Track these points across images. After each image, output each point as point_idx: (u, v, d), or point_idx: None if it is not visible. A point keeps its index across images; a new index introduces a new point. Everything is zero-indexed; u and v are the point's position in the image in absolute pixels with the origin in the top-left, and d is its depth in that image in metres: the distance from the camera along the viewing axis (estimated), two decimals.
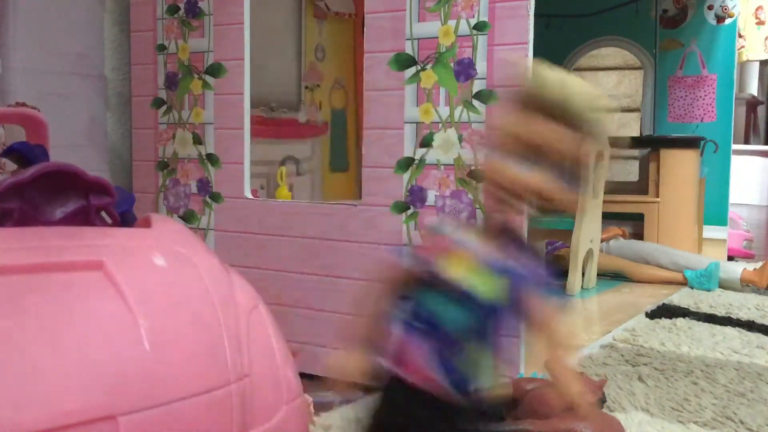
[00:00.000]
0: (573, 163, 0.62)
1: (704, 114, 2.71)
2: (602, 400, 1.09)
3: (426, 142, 1.25)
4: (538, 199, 0.62)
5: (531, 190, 0.62)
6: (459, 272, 0.63)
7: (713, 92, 2.70)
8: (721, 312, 1.86)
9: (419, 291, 0.65)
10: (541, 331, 0.65)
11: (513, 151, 0.62)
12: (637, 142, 2.89)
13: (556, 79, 0.63)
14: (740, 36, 4.37)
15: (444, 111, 1.24)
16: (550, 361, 0.65)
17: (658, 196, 2.50)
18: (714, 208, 2.65)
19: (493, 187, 0.63)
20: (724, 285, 2.19)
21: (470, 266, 0.63)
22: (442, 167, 1.24)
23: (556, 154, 0.61)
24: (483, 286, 0.62)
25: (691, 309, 1.88)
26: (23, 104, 1.47)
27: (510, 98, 0.63)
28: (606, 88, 3.87)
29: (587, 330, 1.64)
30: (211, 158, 1.50)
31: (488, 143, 0.64)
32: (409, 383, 0.64)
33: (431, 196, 1.25)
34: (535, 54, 1.19)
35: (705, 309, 1.89)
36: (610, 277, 2.32)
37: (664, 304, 1.92)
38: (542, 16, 2.40)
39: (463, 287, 0.63)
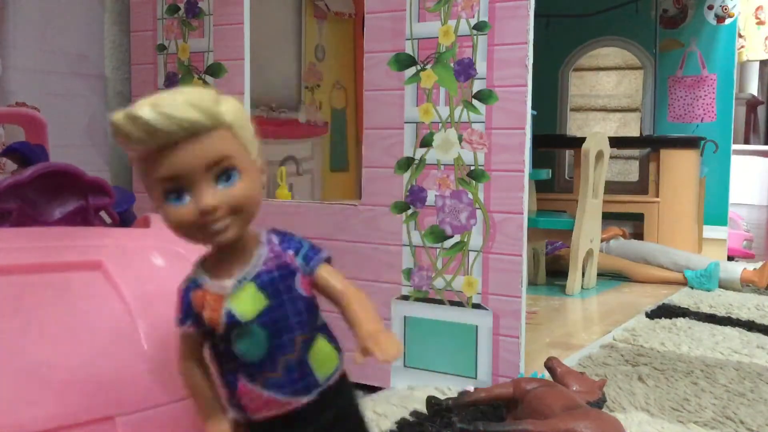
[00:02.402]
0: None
1: (704, 114, 2.71)
2: (602, 400, 1.09)
3: (426, 142, 1.26)
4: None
5: (244, 202, 0.60)
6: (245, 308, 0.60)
7: (713, 92, 2.70)
8: (721, 312, 1.86)
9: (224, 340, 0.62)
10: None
11: (201, 177, 0.57)
12: (637, 142, 2.89)
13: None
14: (740, 36, 4.38)
15: (444, 111, 1.24)
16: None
17: (658, 196, 2.50)
18: (714, 208, 2.65)
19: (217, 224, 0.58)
20: (724, 285, 2.19)
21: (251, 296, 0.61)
22: (442, 167, 1.24)
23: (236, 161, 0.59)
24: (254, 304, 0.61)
25: (691, 309, 1.88)
26: (23, 104, 1.47)
27: None
28: (606, 88, 3.87)
29: (587, 330, 1.64)
30: None
31: None
32: (261, 421, 0.62)
33: (431, 196, 1.25)
34: (535, 54, 1.19)
35: (705, 309, 1.89)
36: (610, 277, 2.32)
37: (664, 304, 1.92)
38: (542, 16, 2.40)
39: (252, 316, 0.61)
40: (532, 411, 0.98)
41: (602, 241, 2.31)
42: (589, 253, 2.13)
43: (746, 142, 5.84)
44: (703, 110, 2.71)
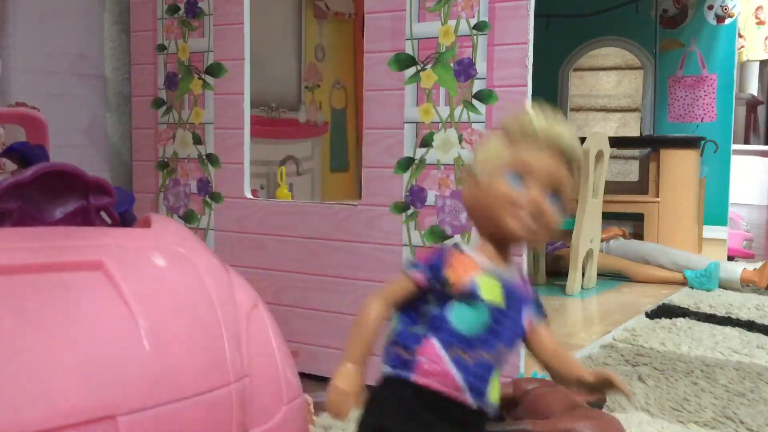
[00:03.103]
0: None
1: (704, 114, 2.71)
2: (602, 400, 1.09)
3: (426, 142, 1.26)
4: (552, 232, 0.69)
5: (556, 223, 0.69)
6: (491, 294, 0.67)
7: (713, 92, 2.70)
8: (721, 312, 1.86)
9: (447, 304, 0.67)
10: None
11: (547, 187, 0.68)
12: (637, 142, 2.89)
13: (559, 123, 0.69)
14: (740, 36, 4.38)
15: (444, 111, 1.24)
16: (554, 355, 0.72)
17: (658, 196, 2.50)
18: (714, 208, 2.65)
19: (530, 218, 0.67)
20: (724, 285, 2.19)
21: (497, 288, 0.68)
22: (442, 167, 1.24)
23: (565, 192, 0.69)
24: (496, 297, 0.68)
25: (691, 309, 1.88)
26: (23, 104, 1.47)
27: (534, 139, 0.69)
28: (606, 88, 3.87)
29: (587, 330, 1.64)
30: (211, 158, 1.50)
31: (529, 175, 0.68)
32: (419, 384, 0.65)
33: (431, 196, 1.25)
34: (535, 54, 1.19)
35: (705, 309, 1.89)
36: (610, 277, 2.32)
37: (664, 304, 1.92)
38: (542, 16, 2.40)
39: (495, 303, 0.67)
40: (532, 411, 0.98)
41: (602, 241, 2.31)
42: (589, 253, 2.13)
43: (746, 142, 5.84)
44: (703, 110, 2.71)
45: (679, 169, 2.48)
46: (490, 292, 0.67)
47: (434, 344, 0.65)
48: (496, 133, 0.70)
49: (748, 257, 2.74)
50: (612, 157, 2.45)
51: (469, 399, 0.65)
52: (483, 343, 0.66)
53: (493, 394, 0.68)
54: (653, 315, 1.79)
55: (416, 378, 0.65)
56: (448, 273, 0.66)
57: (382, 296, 0.68)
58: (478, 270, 0.67)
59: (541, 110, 0.70)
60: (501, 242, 0.69)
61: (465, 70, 1.22)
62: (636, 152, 3.15)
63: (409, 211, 1.27)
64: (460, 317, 0.66)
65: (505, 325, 0.67)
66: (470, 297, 0.66)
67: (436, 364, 0.65)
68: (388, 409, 0.66)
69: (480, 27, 1.21)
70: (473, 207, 0.70)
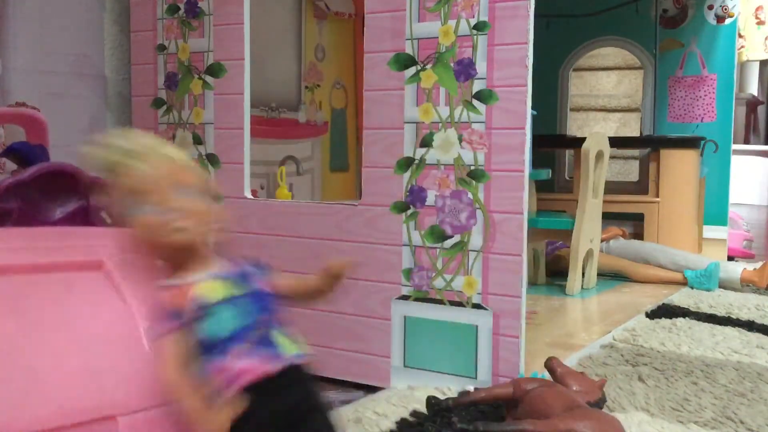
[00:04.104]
0: None
1: (704, 114, 2.71)
2: (602, 400, 1.09)
3: (426, 142, 1.26)
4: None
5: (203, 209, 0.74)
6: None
7: (713, 92, 2.70)
8: (721, 312, 1.86)
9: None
10: None
11: (169, 191, 0.72)
12: (637, 142, 2.89)
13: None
14: (740, 36, 4.38)
15: (444, 111, 1.24)
16: None
17: (658, 196, 2.50)
18: (714, 208, 2.65)
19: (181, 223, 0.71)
20: (724, 285, 2.19)
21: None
22: (442, 167, 1.24)
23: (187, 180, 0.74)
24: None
25: (691, 309, 1.88)
26: (23, 104, 1.47)
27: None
28: (606, 88, 3.87)
29: (587, 330, 1.64)
30: (211, 158, 1.50)
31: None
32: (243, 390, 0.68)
33: (431, 196, 1.25)
34: (535, 54, 1.19)
35: (705, 309, 1.89)
36: (610, 277, 2.32)
37: (664, 304, 1.92)
38: (542, 16, 2.40)
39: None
40: (532, 411, 0.98)
41: (602, 241, 2.31)
42: (589, 253, 2.13)
43: (746, 142, 5.83)
44: (703, 110, 2.71)
45: (679, 169, 2.48)
46: (213, 292, 0.70)
47: (223, 360, 0.68)
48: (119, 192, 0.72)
49: (748, 257, 2.74)
50: (612, 157, 2.45)
51: (270, 368, 0.69)
52: (246, 328, 0.69)
53: (287, 347, 0.71)
54: (653, 315, 1.79)
55: (237, 387, 0.68)
56: (175, 305, 0.68)
57: (174, 369, 0.68)
58: (191, 286, 0.70)
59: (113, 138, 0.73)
60: (185, 254, 0.72)
61: (465, 70, 1.22)
62: (636, 152, 3.15)
63: (409, 211, 1.27)
64: (211, 327, 0.69)
65: (250, 303, 0.72)
66: (203, 309, 0.69)
67: (234, 371, 0.68)
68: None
69: (480, 27, 1.21)
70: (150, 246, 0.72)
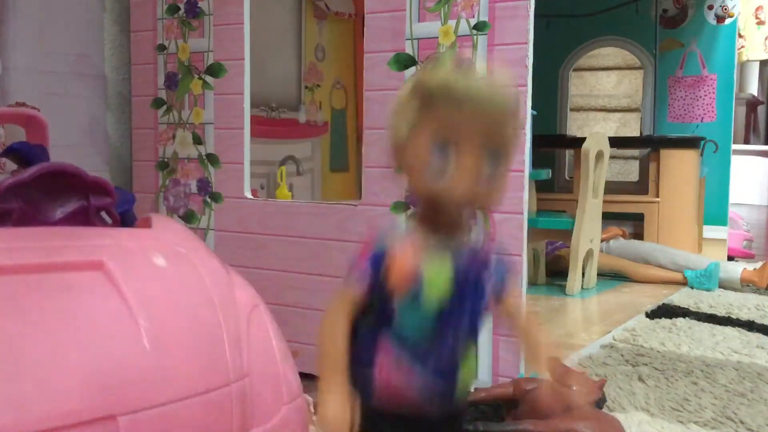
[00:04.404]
0: None
1: (704, 114, 2.71)
2: (602, 400, 1.09)
3: None
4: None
5: (498, 186, 0.65)
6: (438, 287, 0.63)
7: (713, 92, 2.70)
8: (721, 312, 1.86)
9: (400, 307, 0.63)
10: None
11: (483, 147, 0.62)
12: (637, 142, 2.89)
13: (477, 76, 0.64)
14: (740, 36, 4.38)
15: None
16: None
17: (658, 196, 2.50)
18: (714, 208, 2.65)
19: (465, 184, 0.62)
20: (724, 285, 2.19)
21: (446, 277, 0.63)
22: None
23: (506, 146, 0.65)
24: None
25: (691, 309, 1.88)
26: (23, 104, 1.47)
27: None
28: (606, 88, 3.87)
29: (587, 330, 1.64)
30: (211, 158, 1.50)
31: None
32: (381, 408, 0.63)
33: None
34: (535, 54, 1.19)
35: (705, 309, 1.89)
36: (610, 277, 2.32)
37: (664, 304, 1.92)
38: (542, 16, 2.40)
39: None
40: (532, 411, 0.98)
41: (602, 241, 2.31)
42: (589, 253, 2.13)
43: (746, 142, 5.83)
44: (703, 110, 2.71)
45: (679, 169, 2.48)
46: (435, 284, 0.62)
47: (389, 348, 0.63)
48: (410, 95, 0.63)
49: (748, 257, 2.74)
50: (612, 157, 2.45)
51: (429, 408, 0.63)
52: (432, 344, 0.62)
53: (460, 382, 0.64)
54: (653, 315, 1.79)
55: (376, 403, 0.63)
56: (388, 276, 0.62)
57: (339, 315, 0.65)
58: (421, 258, 0.62)
59: (455, 63, 0.63)
60: (439, 211, 0.63)
61: None
62: (636, 152, 3.15)
63: (410, 211, 1.27)
64: (404, 319, 0.63)
65: (454, 315, 0.63)
66: (413, 298, 0.62)
67: (392, 380, 0.63)
68: None
69: (480, 27, 1.21)
70: (407, 175, 0.64)
